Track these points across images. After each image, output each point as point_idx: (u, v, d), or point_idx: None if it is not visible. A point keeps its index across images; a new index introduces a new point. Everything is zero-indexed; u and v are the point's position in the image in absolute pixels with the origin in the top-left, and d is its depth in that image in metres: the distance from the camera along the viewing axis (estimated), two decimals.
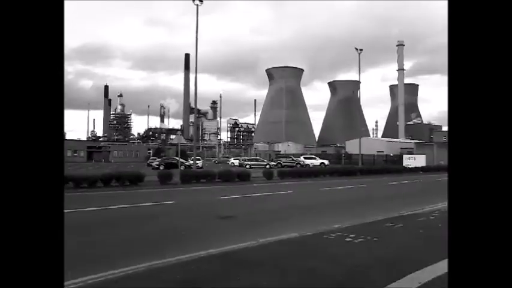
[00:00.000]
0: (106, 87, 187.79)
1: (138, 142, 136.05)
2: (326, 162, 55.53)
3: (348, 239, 7.26)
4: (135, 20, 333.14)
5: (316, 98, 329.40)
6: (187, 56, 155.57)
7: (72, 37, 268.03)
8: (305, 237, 7.55)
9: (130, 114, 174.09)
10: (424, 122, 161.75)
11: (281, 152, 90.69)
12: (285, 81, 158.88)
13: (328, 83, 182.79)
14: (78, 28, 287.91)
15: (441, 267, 5.36)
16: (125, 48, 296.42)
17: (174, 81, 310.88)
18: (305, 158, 58.06)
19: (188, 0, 29.02)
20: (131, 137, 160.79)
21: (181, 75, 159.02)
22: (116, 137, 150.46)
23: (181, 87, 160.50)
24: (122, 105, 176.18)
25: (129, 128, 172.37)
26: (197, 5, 28.85)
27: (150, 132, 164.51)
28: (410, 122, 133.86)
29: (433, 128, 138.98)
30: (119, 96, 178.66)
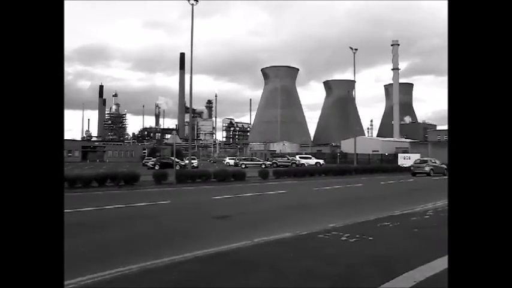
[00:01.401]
0: (101, 87, 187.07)
1: (133, 142, 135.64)
2: (321, 161, 55.66)
3: (343, 239, 7.27)
4: (135, 22, 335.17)
5: (313, 98, 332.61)
6: (182, 55, 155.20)
7: (72, 38, 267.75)
8: (300, 237, 7.55)
9: (125, 114, 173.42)
10: (418, 121, 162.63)
11: (276, 152, 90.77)
12: (280, 81, 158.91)
13: (324, 83, 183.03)
14: (77, 29, 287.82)
15: (435, 266, 5.38)
16: (124, 49, 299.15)
17: (172, 81, 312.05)
18: (300, 157, 58.16)
19: (187, 2, 29.02)
20: (126, 136, 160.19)
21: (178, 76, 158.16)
22: (110, 137, 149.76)
23: (178, 87, 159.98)
24: (117, 104, 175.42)
25: (124, 128, 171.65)
26: (192, 4, 28.89)
27: (145, 132, 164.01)
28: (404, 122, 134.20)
29: (427, 127, 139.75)
30: (113, 96, 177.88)
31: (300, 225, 8.74)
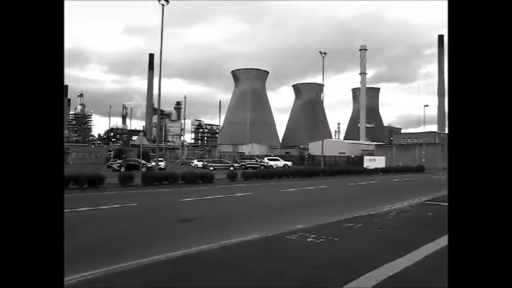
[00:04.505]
0: (65, 86, 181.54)
1: (99, 143, 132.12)
2: (289, 163, 56.12)
3: (309, 240, 7.36)
4: (114, 25, 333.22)
5: (283, 102, 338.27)
6: (151, 56, 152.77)
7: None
8: (267, 239, 7.59)
9: (91, 115, 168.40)
10: (384, 125, 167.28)
11: (245, 154, 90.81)
12: (250, 83, 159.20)
13: (293, 86, 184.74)
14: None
15: (397, 265, 5.55)
16: (102, 52, 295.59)
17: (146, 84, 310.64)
18: (269, 159, 58.41)
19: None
20: (91, 138, 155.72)
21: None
22: (75, 138, 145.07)
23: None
24: (82, 105, 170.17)
25: (89, 129, 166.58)
26: (163, 4, 28.63)
27: (111, 133, 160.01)
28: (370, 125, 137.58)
29: (392, 131, 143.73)
30: (79, 96, 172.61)
31: (268, 227, 8.79)
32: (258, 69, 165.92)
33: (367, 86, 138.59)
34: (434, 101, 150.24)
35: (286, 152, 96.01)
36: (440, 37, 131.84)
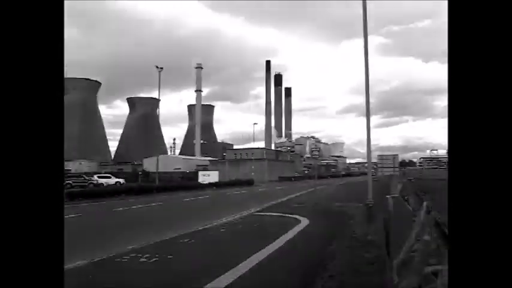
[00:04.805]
0: None
1: None
2: (122, 180, 53.34)
3: (142, 260, 7.06)
4: None
5: (118, 116, 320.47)
6: None
7: None
8: (95, 264, 6.98)
9: None
10: (218, 141, 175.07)
11: (72, 171, 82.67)
12: (78, 93, 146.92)
13: (127, 99, 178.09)
14: None
15: (229, 277, 5.76)
16: None
17: None
18: (99, 177, 54.34)
19: None
20: None
21: None
22: None
23: None
24: None
25: None
26: None
27: None
28: (205, 142, 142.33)
29: (225, 147, 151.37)
30: None
31: (95, 251, 8.05)
32: (88, 79, 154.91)
33: (203, 103, 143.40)
34: (262, 120, 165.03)
35: (119, 169, 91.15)
36: (268, 62, 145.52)
